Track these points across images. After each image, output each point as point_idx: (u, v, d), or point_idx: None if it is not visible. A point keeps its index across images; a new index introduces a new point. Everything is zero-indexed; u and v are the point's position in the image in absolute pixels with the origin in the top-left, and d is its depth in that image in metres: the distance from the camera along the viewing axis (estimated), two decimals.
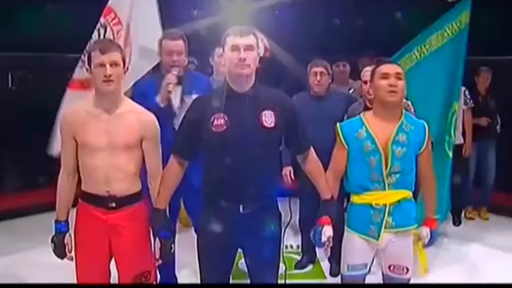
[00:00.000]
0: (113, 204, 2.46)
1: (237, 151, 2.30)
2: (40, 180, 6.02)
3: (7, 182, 6.46)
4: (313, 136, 2.56)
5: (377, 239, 2.55)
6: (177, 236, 3.12)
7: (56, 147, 3.32)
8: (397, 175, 2.52)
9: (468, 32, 4.03)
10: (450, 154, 4.08)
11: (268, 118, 2.33)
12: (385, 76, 2.51)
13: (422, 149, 2.58)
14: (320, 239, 2.50)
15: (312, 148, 2.52)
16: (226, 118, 2.31)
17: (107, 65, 2.34)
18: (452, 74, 4.06)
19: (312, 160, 2.52)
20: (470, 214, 5.42)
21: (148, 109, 2.69)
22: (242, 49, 2.28)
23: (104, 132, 2.42)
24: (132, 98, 3.04)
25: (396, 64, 2.67)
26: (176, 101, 3.06)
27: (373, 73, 2.59)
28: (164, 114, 2.92)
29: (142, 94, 3.04)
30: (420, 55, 4.11)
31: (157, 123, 2.53)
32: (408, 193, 2.58)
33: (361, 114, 2.64)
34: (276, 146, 2.43)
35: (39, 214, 5.03)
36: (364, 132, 2.54)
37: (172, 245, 2.50)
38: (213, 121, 2.31)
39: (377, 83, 2.53)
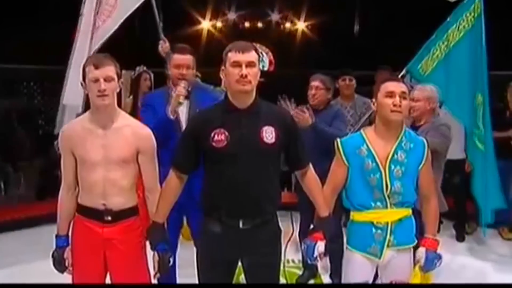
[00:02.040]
0: (109, 218, 2.47)
1: (237, 167, 2.30)
2: (47, 191, 6.05)
3: (15, 193, 6.48)
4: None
5: (380, 258, 2.51)
6: (178, 249, 3.13)
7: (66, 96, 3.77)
8: (400, 196, 2.49)
9: (495, 46, 3.93)
10: (481, 147, 3.94)
11: (269, 134, 2.33)
12: (390, 94, 2.47)
13: (421, 166, 2.54)
14: (313, 254, 2.49)
15: (311, 165, 2.50)
16: (226, 134, 2.31)
17: (101, 80, 2.35)
18: (473, 64, 3.94)
19: (310, 177, 2.50)
20: (507, 234, 5.17)
21: (158, 120, 2.78)
22: (243, 66, 2.28)
23: (100, 147, 2.43)
24: (142, 110, 3.10)
25: (401, 81, 2.62)
26: (184, 116, 3.07)
27: (377, 89, 2.55)
28: (172, 126, 2.96)
29: (151, 106, 3.09)
30: (441, 53, 4.00)
31: (153, 136, 2.53)
32: (409, 211, 2.55)
33: (362, 130, 2.60)
34: (276, 162, 2.42)
35: (46, 225, 5.02)
36: (365, 149, 2.50)
37: (170, 259, 2.49)
38: (214, 136, 2.31)
39: (381, 101, 2.49)
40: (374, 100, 2.56)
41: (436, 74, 3.93)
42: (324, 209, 2.51)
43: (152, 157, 2.52)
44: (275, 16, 10.41)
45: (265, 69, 12.22)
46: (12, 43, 5.98)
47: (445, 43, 3.99)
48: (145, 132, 2.52)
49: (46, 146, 6.83)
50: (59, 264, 2.55)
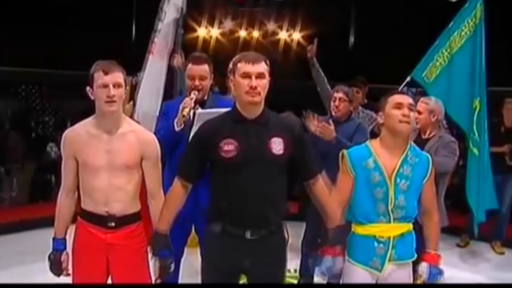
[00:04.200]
0: (113, 224, 2.47)
1: (245, 177, 2.29)
2: (40, 194, 6.00)
3: (7, 195, 6.42)
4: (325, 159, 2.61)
5: (380, 271, 2.52)
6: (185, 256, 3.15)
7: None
8: (403, 210, 2.50)
9: (492, 60, 3.95)
10: (476, 151, 3.99)
11: (277, 145, 2.33)
12: (399, 106, 2.49)
13: (425, 181, 2.55)
14: (333, 270, 2.49)
15: (320, 176, 2.49)
16: (236, 144, 2.30)
17: (111, 86, 2.36)
18: (473, 70, 3.98)
19: (322, 187, 2.48)
20: (500, 248, 5.19)
21: (165, 130, 2.83)
22: (253, 77, 2.28)
23: (105, 152, 2.43)
24: (160, 118, 3.12)
25: (407, 94, 2.65)
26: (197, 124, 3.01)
27: (384, 102, 2.56)
28: (179, 137, 2.92)
29: (166, 114, 3.07)
30: (444, 60, 4.04)
31: (157, 142, 2.53)
32: (410, 226, 2.56)
33: (368, 142, 2.61)
34: (284, 173, 2.42)
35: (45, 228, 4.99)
36: (372, 162, 2.51)
37: (172, 265, 2.49)
38: (223, 146, 2.30)
39: (390, 112, 2.51)
40: (381, 113, 2.57)
41: (440, 80, 3.98)
42: (335, 220, 2.49)
43: (156, 163, 2.52)
44: (271, 26, 10.47)
45: None
46: (10, 46, 5.97)
47: (448, 50, 4.03)
48: (149, 138, 2.53)
49: (39, 148, 6.81)
50: (56, 268, 2.53)
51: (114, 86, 2.37)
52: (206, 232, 2.46)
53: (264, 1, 10.68)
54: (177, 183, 2.43)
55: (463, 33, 4.03)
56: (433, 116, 3.58)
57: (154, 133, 2.77)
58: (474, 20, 4.01)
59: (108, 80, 2.36)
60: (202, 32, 10.42)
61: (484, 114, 4.07)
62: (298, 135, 2.43)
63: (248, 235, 2.34)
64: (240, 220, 2.34)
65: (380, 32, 7.96)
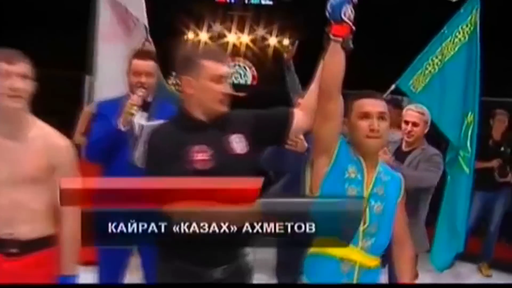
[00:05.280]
0: (15, 250, 2.03)
1: None
2: None
3: None
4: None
5: None
6: None
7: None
8: (373, 239, 2.03)
9: (484, 70, 3.66)
10: (467, 170, 3.62)
11: (238, 143, 1.94)
12: (365, 115, 1.98)
13: (397, 202, 2.11)
14: None
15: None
16: (209, 152, 1.87)
17: (15, 77, 1.95)
18: (467, 81, 3.65)
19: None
20: (487, 271, 4.89)
21: (106, 131, 2.58)
22: (226, 81, 1.92)
23: (5, 162, 2.00)
24: (94, 119, 2.82)
25: (379, 98, 2.08)
26: (137, 128, 2.74)
27: (349, 108, 2.04)
28: (124, 139, 2.64)
29: (104, 115, 2.74)
30: (434, 68, 3.70)
31: (71, 149, 2.14)
32: (378, 262, 2.09)
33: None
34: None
35: None
36: (356, 172, 2.01)
37: None
38: (194, 156, 1.87)
39: (355, 123, 2.00)
40: (345, 119, 2.06)
41: (429, 90, 3.64)
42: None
43: (71, 174, 2.10)
44: (260, 31, 10.31)
45: (248, 83, 12.10)
46: None
47: (439, 57, 3.69)
48: (61, 143, 2.12)
49: None
50: None
51: (19, 77, 1.96)
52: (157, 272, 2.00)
53: (254, 6, 10.53)
54: None
55: (456, 39, 3.71)
56: (427, 127, 3.27)
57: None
58: (469, 26, 3.70)
59: (11, 70, 1.94)
60: (190, 36, 10.25)
61: (475, 130, 3.71)
62: (250, 120, 2.02)
63: (217, 274, 1.90)
64: (208, 254, 1.87)
65: (371, 39, 7.76)
